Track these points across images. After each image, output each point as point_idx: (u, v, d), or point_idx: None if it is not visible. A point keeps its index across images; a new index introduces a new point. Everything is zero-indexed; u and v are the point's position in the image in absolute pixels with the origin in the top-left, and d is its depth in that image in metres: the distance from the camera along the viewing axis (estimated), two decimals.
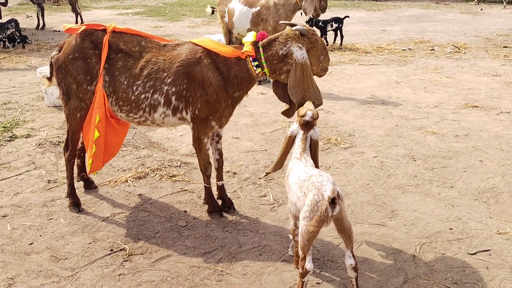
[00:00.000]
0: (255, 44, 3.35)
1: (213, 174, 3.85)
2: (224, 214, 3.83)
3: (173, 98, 3.45)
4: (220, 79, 3.38)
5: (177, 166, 4.70)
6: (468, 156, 4.86)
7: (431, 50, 10.32)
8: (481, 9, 18.31)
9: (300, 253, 2.70)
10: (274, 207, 3.95)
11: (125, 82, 3.48)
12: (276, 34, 3.37)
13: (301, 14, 7.43)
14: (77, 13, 13.85)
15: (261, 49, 3.32)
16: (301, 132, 3.00)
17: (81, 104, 3.64)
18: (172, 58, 3.45)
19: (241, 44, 7.84)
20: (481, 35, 12.36)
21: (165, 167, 4.65)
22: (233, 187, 4.28)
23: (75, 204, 3.88)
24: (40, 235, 3.56)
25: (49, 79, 3.87)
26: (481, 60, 9.32)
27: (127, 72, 3.49)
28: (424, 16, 16.58)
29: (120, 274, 3.13)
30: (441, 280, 3.02)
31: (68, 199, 3.94)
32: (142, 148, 5.13)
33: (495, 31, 13.01)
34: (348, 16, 11.37)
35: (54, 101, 6.51)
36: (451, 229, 3.58)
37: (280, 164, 3.13)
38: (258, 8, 7.26)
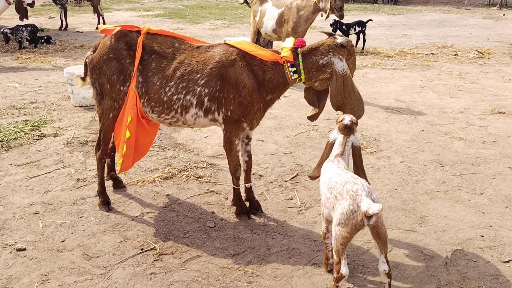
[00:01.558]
0: (294, 50, 3.37)
1: (241, 176, 3.86)
2: (252, 216, 3.84)
3: (206, 99, 3.47)
4: (254, 82, 3.40)
5: (203, 167, 4.73)
6: (497, 162, 4.80)
7: (455, 55, 10.22)
8: (504, 14, 18.07)
9: (335, 257, 2.69)
10: (301, 210, 3.95)
11: (158, 83, 3.52)
12: (317, 42, 3.39)
13: (322, 15, 7.41)
14: (99, 15, 14.01)
15: (300, 56, 3.34)
16: (340, 137, 3.01)
17: (114, 104, 3.69)
18: (206, 59, 3.47)
19: (267, 45, 7.87)
20: (505, 41, 12.20)
21: (192, 168, 4.68)
22: (260, 190, 4.28)
23: (105, 203, 3.93)
24: (72, 233, 3.60)
25: (83, 79, 3.92)
26: (506, 66, 9.20)
27: (160, 73, 3.52)
28: (446, 21, 16.43)
29: (151, 273, 3.15)
30: (474, 287, 2.99)
31: (98, 197, 3.99)
32: (168, 149, 5.17)
33: None
34: (371, 20, 11.33)
35: (80, 101, 6.60)
36: (483, 236, 3.54)
37: (319, 169, 3.13)
38: (282, 9, 7.29)
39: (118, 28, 3.64)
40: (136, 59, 3.54)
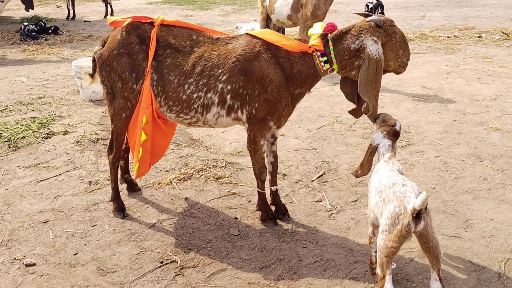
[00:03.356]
0: (323, 37, 3.00)
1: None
2: (278, 221, 3.53)
3: (228, 96, 3.14)
4: (281, 76, 3.04)
5: (222, 166, 4.41)
6: None
7: (478, 37, 9.73)
8: None
9: (378, 271, 2.38)
10: (332, 214, 3.63)
11: (176, 81, 3.19)
12: (349, 25, 3.01)
13: None
14: (106, 3, 13.66)
15: (330, 43, 2.96)
16: (388, 142, 2.71)
17: (126, 103, 3.37)
18: (227, 53, 3.13)
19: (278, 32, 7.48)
20: None
21: (210, 168, 4.37)
22: (285, 191, 3.96)
23: (120, 209, 3.64)
24: (85, 244, 3.32)
25: (92, 75, 3.60)
26: None
27: (177, 70, 3.18)
28: (464, 0, 15.79)
29: None
30: None
31: (112, 203, 3.70)
32: (184, 146, 4.86)
33: None
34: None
35: (90, 95, 6.30)
36: None
37: (368, 169, 2.84)
38: None
39: (129, 20, 3.30)
40: (150, 54, 3.21)
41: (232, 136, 5.07)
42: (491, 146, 4.66)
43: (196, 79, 3.16)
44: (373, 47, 2.85)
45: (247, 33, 3.22)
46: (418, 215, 2.22)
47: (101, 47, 3.43)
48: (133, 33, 3.26)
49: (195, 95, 3.18)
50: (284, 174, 4.24)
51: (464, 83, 6.71)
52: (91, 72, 3.62)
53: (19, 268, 3.08)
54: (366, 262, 3.03)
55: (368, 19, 2.90)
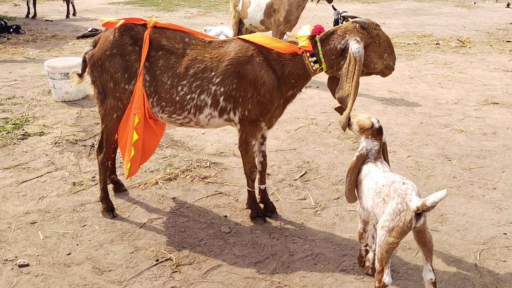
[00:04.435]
0: (312, 38, 3.16)
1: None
2: (267, 219, 3.66)
3: (221, 98, 3.24)
4: (274, 78, 3.18)
5: (207, 166, 4.50)
6: (502, 155, 4.77)
7: (436, 44, 10.25)
8: (475, 3, 18.35)
9: (377, 265, 2.55)
10: (317, 211, 3.79)
11: (169, 82, 3.26)
12: (335, 27, 3.18)
13: (316, 4, 7.23)
14: (68, 2, 13.38)
15: (319, 44, 3.12)
16: (377, 144, 2.82)
17: (118, 104, 3.41)
18: (220, 56, 3.23)
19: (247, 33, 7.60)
20: (481, 29, 12.33)
21: (195, 168, 4.45)
22: (270, 190, 4.10)
23: (109, 209, 3.66)
24: (77, 244, 3.33)
25: (80, 75, 3.61)
26: (488, 55, 9.28)
27: (170, 71, 3.26)
28: (420, 9, 16.53)
29: (172, 287, 2.93)
30: None
31: (101, 203, 3.71)
32: (166, 147, 4.90)
33: (493, 25, 13.00)
34: (345, 11, 11.00)
35: (62, 96, 6.21)
36: (506, 234, 3.47)
37: (352, 189, 2.91)
38: None
39: (122, 21, 3.34)
40: (143, 55, 3.26)
41: (212, 137, 5.16)
42: (457, 146, 4.99)
43: (189, 81, 3.24)
44: (354, 46, 3.01)
45: (238, 37, 3.34)
46: (420, 213, 2.39)
47: (92, 47, 3.45)
48: (126, 34, 3.31)
49: (188, 96, 3.27)
50: (268, 174, 4.37)
51: (427, 88, 7.09)
52: (79, 72, 3.62)
53: (12, 269, 3.06)
54: (354, 255, 3.21)
55: (352, 20, 3.08)
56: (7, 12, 13.91)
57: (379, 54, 3.11)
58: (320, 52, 3.13)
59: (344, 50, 3.09)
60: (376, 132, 2.83)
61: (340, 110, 3.35)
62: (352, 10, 15.71)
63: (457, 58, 9.05)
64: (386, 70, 3.22)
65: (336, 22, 10.57)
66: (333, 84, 3.29)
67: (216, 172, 4.40)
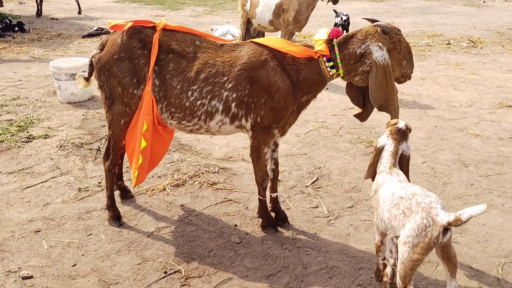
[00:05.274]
0: (329, 42, 3.02)
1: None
2: (279, 228, 3.53)
3: (233, 104, 3.11)
4: (288, 83, 3.04)
5: (215, 172, 4.37)
6: None
7: (447, 44, 10.07)
8: (484, 1, 18.10)
9: (399, 283, 2.42)
10: (330, 220, 3.66)
11: (178, 87, 3.13)
12: (355, 30, 3.04)
13: (327, 3, 7.09)
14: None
15: (336, 48, 2.98)
16: (391, 143, 2.71)
17: (126, 109, 3.28)
18: (232, 60, 3.10)
19: (258, 35, 7.45)
20: (491, 29, 12.13)
21: (203, 173, 4.32)
22: (281, 197, 3.95)
23: (116, 217, 3.54)
24: (82, 254, 3.22)
25: (87, 79, 3.48)
26: (500, 56, 9.10)
27: (180, 76, 3.13)
28: (429, 8, 16.30)
29: None
30: None
31: (107, 211, 3.59)
32: (173, 151, 4.78)
33: (503, 25, 12.79)
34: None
35: (68, 97, 6.10)
36: None
37: (374, 171, 2.84)
38: None
39: (130, 24, 3.22)
40: (152, 59, 3.14)
41: (221, 141, 5.04)
42: (474, 152, 4.84)
43: (200, 86, 3.12)
44: (378, 53, 2.89)
45: (251, 41, 3.20)
46: (447, 228, 2.27)
47: (99, 50, 3.33)
48: (134, 38, 3.18)
49: (199, 102, 3.14)
50: (279, 180, 4.23)
51: (440, 90, 6.93)
52: (86, 75, 3.50)
53: (15, 281, 2.95)
54: (370, 269, 3.08)
55: (374, 24, 2.94)
56: (12, 10, 13.82)
57: (398, 60, 2.99)
58: (338, 56, 2.99)
59: (364, 55, 2.96)
60: (394, 130, 2.73)
61: (359, 116, 3.23)
62: (360, 9, 15.53)
63: (469, 58, 8.87)
64: (402, 78, 3.10)
65: (344, 24, 10.11)
66: (352, 89, 3.17)
67: (225, 177, 4.27)
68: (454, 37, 10.80)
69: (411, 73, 3.10)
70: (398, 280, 2.43)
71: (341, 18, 9.65)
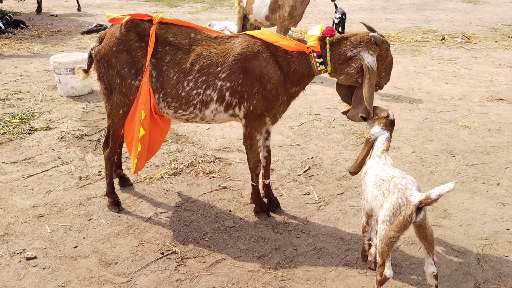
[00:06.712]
0: (322, 39, 3.18)
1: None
2: (271, 213, 3.69)
3: (227, 94, 3.27)
4: (280, 74, 3.20)
5: (211, 161, 4.53)
6: (506, 151, 4.78)
7: (442, 39, 10.22)
8: None
9: (378, 258, 2.59)
10: (320, 206, 3.82)
11: (175, 78, 3.29)
12: (350, 33, 3.19)
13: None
14: None
15: (328, 46, 3.14)
16: (386, 133, 2.89)
17: (124, 99, 3.44)
18: (226, 51, 3.26)
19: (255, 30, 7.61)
20: (486, 25, 12.27)
21: (199, 163, 4.48)
22: (274, 185, 4.12)
23: (115, 203, 3.70)
24: (83, 237, 3.38)
25: (86, 71, 3.64)
26: (493, 51, 9.25)
27: (177, 67, 3.29)
28: (425, 4, 16.43)
29: (177, 280, 2.98)
30: (511, 284, 2.94)
31: (107, 197, 3.75)
32: (171, 142, 4.94)
33: (499, 21, 12.93)
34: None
35: (68, 91, 6.25)
36: (508, 229, 3.50)
37: (360, 165, 2.98)
38: None
39: (128, 17, 3.37)
40: (149, 51, 3.29)
41: (217, 133, 5.19)
42: (462, 142, 5.00)
43: (195, 76, 3.27)
44: (370, 59, 3.04)
45: (245, 33, 3.36)
46: (419, 206, 2.43)
47: (98, 43, 3.48)
48: (132, 30, 3.33)
49: (194, 92, 3.29)
50: (272, 169, 4.40)
51: (432, 83, 7.09)
52: (85, 68, 3.65)
53: (19, 261, 3.11)
54: (357, 250, 3.24)
55: (371, 34, 3.09)
56: (12, 7, 13.94)
57: (379, 71, 3.15)
58: (328, 54, 3.15)
59: (352, 58, 3.11)
60: (389, 123, 2.91)
61: (347, 113, 3.38)
62: (357, 5, 15.67)
63: (462, 54, 9.02)
64: (375, 87, 3.24)
65: (338, 22, 10.15)
66: (342, 88, 3.33)
67: (220, 167, 4.43)
68: (449, 33, 10.94)
69: (384, 84, 3.27)
70: (377, 256, 2.60)
71: (338, 17, 9.82)
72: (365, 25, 3.17)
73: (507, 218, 3.63)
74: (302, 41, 3.26)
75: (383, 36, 3.12)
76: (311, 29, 3.30)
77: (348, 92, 3.29)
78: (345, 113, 3.28)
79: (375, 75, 3.08)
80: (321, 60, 3.17)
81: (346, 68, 3.16)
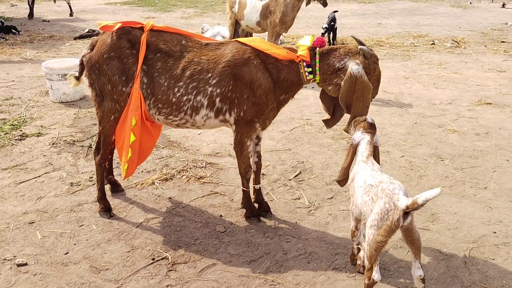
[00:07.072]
0: (312, 49, 3.23)
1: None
2: (262, 218, 3.72)
3: (218, 99, 3.30)
4: (269, 81, 3.25)
5: (203, 167, 4.56)
6: (494, 155, 4.85)
7: (432, 44, 10.33)
8: (470, 3, 18.45)
9: (366, 263, 2.62)
10: (311, 210, 3.86)
11: (165, 84, 3.32)
12: (339, 45, 3.25)
13: (306, 5, 7.31)
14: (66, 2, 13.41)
15: (317, 56, 3.19)
16: (367, 136, 2.93)
17: (115, 106, 3.47)
18: (217, 58, 3.30)
19: (246, 36, 7.67)
20: (476, 30, 12.42)
21: (190, 168, 4.51)
22: (265, 189, 4.16)
23: (106, 209, 3.72)
24: (74, 244, 3.39)
25: (78, 78, 3.66)
26: (483, 56, 9.37)
27: (167, 73, 3.32)
28: (416, 9, 16.61)
29: (168, 286, 2.99)
30: (497, 287, 2.99)
31: (98, 203, 3.77)
32: (162, 147, 4.96)
33: (488, 26, 13.10)
34: (337, 11, 10.78)
35: (60, 97, 6.26)
36: (495, 232, 3.55)
37: (346, 173, 3.02)
38: (266, 0, 7.10)
39: (119, 25, 3.40)
40: (140, 58, 3.32)
41: (208, 138, 5.22)
42: (450, 146, 5.06)
43: (186, 83, 3.31)
44: (354, 67, 3.06)
45: (236, 40, 3.40)
46: (406, 212, 2.47)
47: (89, 50, 3.50)
48: (123, 38, 3.36)
49: (185, 97, 3.33)
50: (263, 174, 4.43)
51: (422, 88, 7.17)
52: (77, 74, 3.68)
53: (10, 268, 3.12)
54: (347, 254, 3.28)
55: (359, 47, 3.14)
56: (4, 13, 13.94)
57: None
58: (317, 64, 3.20)
59: (341, 69, 3.17)
60: (367, 125, 2.95)
61: (326, 122, 3.45)
62: (349, 10, 15.80)
63: (452, 58, 9.12)
64: None
65: (329, 27, 9.97)
66: (325, 97, 3.39)
67: (211, 172, 4.46)
68: (438, 38, 11.07)
69: (373, 98, 3.30)
70: (365, 260, 2.63)
71: (327, 22, 9.90)
72: (355, 39, 3.22)
73: (494, 222, 3.68)
74: (293, 50, 3.31)
75: (372, 50, 3.17)
76: (302, 38, 3.35)
77: (330, 102, 3.35)
78: (324, 121, 3.33)
79: (362, 82, 3.09)
80: (310, 69, 3.22)
81: (335, 79, 3.22)
